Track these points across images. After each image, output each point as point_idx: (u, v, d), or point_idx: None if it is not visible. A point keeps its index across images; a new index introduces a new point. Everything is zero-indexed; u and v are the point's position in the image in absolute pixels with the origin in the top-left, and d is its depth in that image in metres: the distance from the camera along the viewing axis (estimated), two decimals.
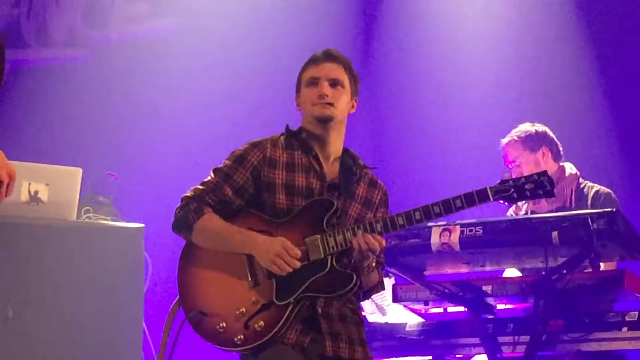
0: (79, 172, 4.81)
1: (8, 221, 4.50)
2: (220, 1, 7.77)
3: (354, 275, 3.66)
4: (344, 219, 3.78)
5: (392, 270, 4.86)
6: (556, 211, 5.19)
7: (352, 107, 3.92)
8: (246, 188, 3.81)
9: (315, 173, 3.83)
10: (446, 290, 4.78)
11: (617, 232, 4.47)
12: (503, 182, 3.73)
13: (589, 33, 6.88)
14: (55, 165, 4.81)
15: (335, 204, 3.73)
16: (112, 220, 5.12)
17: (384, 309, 5.22)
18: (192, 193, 3.82)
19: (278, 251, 3.63)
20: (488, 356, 4.66)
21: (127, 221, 5.03)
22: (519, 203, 5.52)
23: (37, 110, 7.64)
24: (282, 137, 3.91)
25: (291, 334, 3.65)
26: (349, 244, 3.67)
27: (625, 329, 4.48)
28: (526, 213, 5.44)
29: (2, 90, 3.21)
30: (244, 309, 3.66)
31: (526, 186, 3.73)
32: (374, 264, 3.77)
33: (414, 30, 7.45)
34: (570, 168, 5.45)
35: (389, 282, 4.92)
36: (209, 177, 3.85)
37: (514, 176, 4.46)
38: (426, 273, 4.95)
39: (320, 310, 3.69)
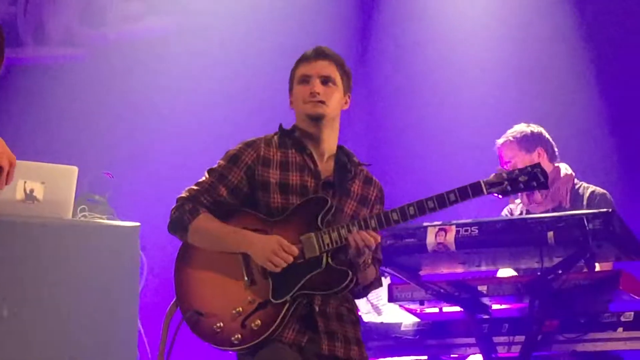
0: (74, 170, 4.80)
1: (3, 219, 4.48)
2: (218, 1, 7.77)
3: (350, 272, 3.66)
4: (340, 217, 3.78)
5: (387, 269, 4.86)
6: (552, 211, 5.19)
7: (346, 103, 3.93)
8: (241, 188, 3.82)
9: (309, 171, 3.83)
10: (442, 290, 4.78)
11: (613, 233, 4.48)
12: (496, 175, 3.74)
13: (586, 33, 6.88)
14: (51, 163, 4.80)
15: (330, 201, 3.73)
16: (108, 219, 5.12)
17: (380, 308, 5.22)
18: (187, 194, 3.84)
19: (273, 248, 3.64)
20: (483, 356, 4.67)
21: (123, 220, 5.02)
22: (513, 205, 5.53)
23: (34, 108, 7.63)
24: (275, 137, 3.91)
25: (289, 332, 3.65)
26: (344, 241, 3.67)
27: (620, 329, 4.48)
28: (521, 213, 5.45)
29: None
30: (240, 309, 3.66)
31: (519, 179, 3.74)
32: (370, 260, 3.77)
33: (411, 29, 7.45)
34: (565, 169, 5.45)
35: (384, 282, 4.92)
36: (204, 178, 3.86)
37: None
38: (422, 273, 4.95)
39: (317, 308, 3.70)
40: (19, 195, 4.60)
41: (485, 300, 4.81)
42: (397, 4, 7.51)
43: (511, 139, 5.43)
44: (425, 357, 4.90)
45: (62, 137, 7.37)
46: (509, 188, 3.73)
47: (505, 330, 4.67)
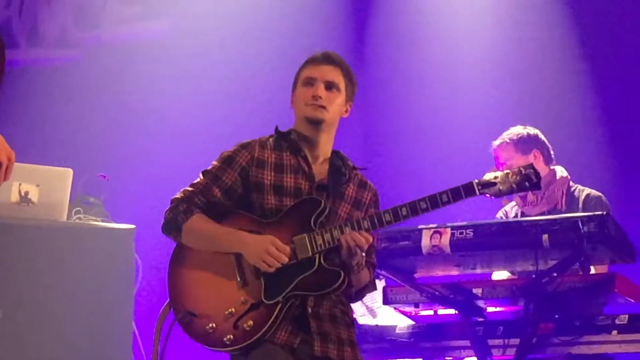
0: (69, 173, 4.81)
1: None
2: (214, 3, 7.77)
3: (342, 273, 3.66)
4: (334, 219, 3.78)
5: (382, 272, 4.86)
6: (547, 214, 5.19)
7: (346, 111, 3.92)
8: (235, 189, 3.82)
9: (303, 174, 3.83)
10: (436, 293, 4.78)
11: (608, 235, 4.48)
12: (489, 176, 3.74)
13: (582, 34, 6.88)
14: (46, 166, 4.80)
15: (323, 202, 3.74)
16: (103, 221, 5.12)
17: (375, 311, 5.22)
18: (182, 195, 3.84)
19: (266, 248, 3.64)
20: (478, 359, 4.67)
21: (118, 222, 5.02)
22: (508, 207, 5.53)
23: (28, 110, 7.62)
24: (271, 139, 3.91)
25: (281, 334, 3.65)
26: (337, 242, 3.67)
27: (615, 332, 4.48)
28: (516, 215, 5.45)
29: None
30: (233, 309, 3.66)
31: (512, 179, 3.73)
32: (363, 263, 3.77)
33: (407, 32, 7.45)
34: (561, 171, 5.45)
35: (379, 284, 4.92)
36: (198, 179, 3.86)
37: None
38: (416, 275, 4.95)
39: (310, 310, 3.70)
40: (14, 197, 4.61)
41: (480, 303, 4.81)
42: (393, 6, 7.50)
43: (507, 140, 5.44)
44: None
45: (57, 139, 7.36)
46: (501, 188, 3.73)
47: (500, 333, 4.67)
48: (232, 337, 3.63)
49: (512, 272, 5.15)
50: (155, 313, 3.86)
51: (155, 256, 5.27)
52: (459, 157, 6.77)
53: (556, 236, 4.48)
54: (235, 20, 7.64)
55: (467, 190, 3.71)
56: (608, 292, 4.55)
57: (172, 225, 3.79)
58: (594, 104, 6.78)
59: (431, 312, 5.02)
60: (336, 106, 3.85)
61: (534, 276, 4.63)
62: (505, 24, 7.14)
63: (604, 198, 5.31)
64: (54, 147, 7.04)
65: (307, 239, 3.69)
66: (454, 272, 4.94)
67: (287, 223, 3.74)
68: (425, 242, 4.69)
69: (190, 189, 3.84)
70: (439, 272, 4.97)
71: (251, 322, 3.63)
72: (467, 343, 4.73)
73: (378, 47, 7.50)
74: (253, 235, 3.71)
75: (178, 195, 3.84)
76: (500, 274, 5.23)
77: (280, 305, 3.64)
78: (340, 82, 3.87)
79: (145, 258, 5.52)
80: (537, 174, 3.74)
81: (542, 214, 5.24)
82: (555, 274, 4.53)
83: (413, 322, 5.01)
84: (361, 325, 4.99)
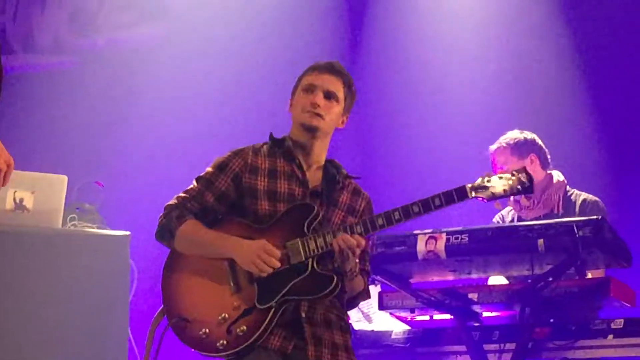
0: (64, 179, 4.79)
1: None
2: (207, 8, 7.76)
3: (335, 277, 3.66)
4: (327, 226, 3.78)
5: (378, 278, 4.86)
6: (544, 218, 5.21)
7: (342, 122, 3.94)
8: (228, 194, 3.82)
9: (297, 180, 3.84)
10: (432, 298, 4.78)
11: (603, 240, 4.48)
12: (482, 179, 3.74)
13: (579, 39, 6.88)
14: (41, 172, 4.79)
15: (316, 208, 3.74)
16: (98, 228, 5.11)
17: (370, 316, 5.22)
18: (175, 201, 3.86)
19: (258, 253, 3.65)
20: None
21: (113, 229, 5.01)
22: (505, 212, 5.54)
23: (23, 117, 7.61)
24: (265, 146, 3.93)
25: (275, 339, 3.65)
26: (330, 246, 3.67)
27: (610, 336, 4.49)
28: (513, 220, 5.46)
29: None
30: (226, 315, 3.66)
31: (504, 182, 3.73)
32: (357, 270, 3.76)
33: (401, 37, 7.45)
34: (558, 176, 5.46)
35: (375, 290, 4.92)
36: (192, 185, 3.88)
37: None
38: (412, 281, 4.95)
39: (304, 314, 3.70)
40: (9, 204, 4.59)
41: (476, 308, 4.82)
42: (388, 10, 7.50)
43: (504, 145, 5.44)
44: None
45: (51, 146, 7.35)
46: (494, 192, 3.73)
47: (496, 337, 4.67)
48: (225, 342, 3.63)
49: (507, 277, 5.15)
50: (151, 319, 3.86)
51: (150, 262, 5.27)
52: (454, 163, 6.76)
53: (551, 241, 4.49)
54: (231, 26, 7.64)
55: (460, 193, 3.72)
56: (603, 297, 4.55)
57: (166, 231, 3.80)
58: (591, 108, 6.78)
59: (427, 318, 5.02)
60: (333, 115, 3.87)
61: (529, 281, 4.64)
62: (501, 28, 7.14)
63: (600, 203, 5.32)
64: (49, 154, 7.02)
65: (300, 243, 3.69)
66: (450, 277, 4.94)
67: (280, 228, 3.74)
68: (421, 247, 4.70)
69: (183, 195, 3.86)
70: (435, 278, 4.97)
71: (244, 327, 3.63)
72: (463, 348, 4.73)
73: (372, 53, 7.50)
74: (246, 241, 3.71)
75: (171, 201, 3.86)
76: (497, 279, 5.23)
77: (273, 310, 3.64)
78: (340, 92, 3.88)
79: (141, 264, 5.51)
80: (529, 177, 3.74)
81: (539, 218, 5.25)
82: (550, 279, 4.54)
83: (409, 328, 5.01)
84: (357, 330, 4.99)
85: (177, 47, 7.73)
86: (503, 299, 4.70)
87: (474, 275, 4.93)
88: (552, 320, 4.63)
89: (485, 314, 4.90)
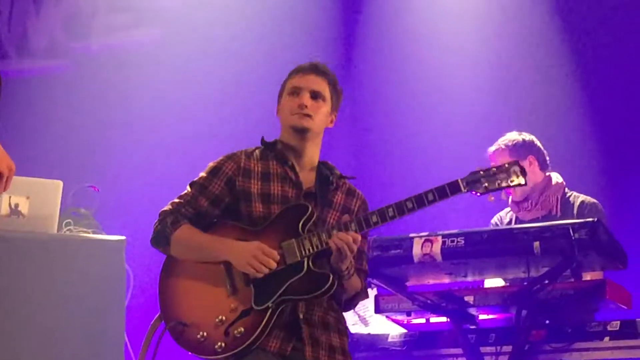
0: (59, 184, 4.79)
1: None
2: (202, 11, 7.76)
3: (330, 275, 3.66)
4: (322, 227, 3.77)
5: (374, 281, 4.86)
6: (542, 220, 5.22)
7: (331, 121, 3.95)
8: (222, 198, 3.83)
9: (290, 182, 3.85)
10: (428, 301, 4.78)
11: (599, 242, 4.48)
12: (474, 173, 3.73)
13: (576, 40, 6.88)
14: (36, 177, 4.79)
15: (310, 207, 3.75)
16: (94, 233, 5.10)
17: (367, 319, 5.22)
18: (169, 207, 3.87)
19: (253, 253, 3.65)
20: None
21: (109, 234, 5.01)
22: (502, 213, 5.54)
23: (17, 121, 7.58)
24: (257, 150, 3.94)
25: (273, 342, 3.66)
26: (325, 245, 3.67)
27: (607, 338, 4.49)
28: (511, 221, 5.46)
29: None
30: (223, 317, 3.67)
31: (497, 176, 3.72)
32: (353, 269, 3.77)
33: (397, 39, 7.45)
34: (556, 177, 5.47)
35: (371, 293, 4.92)
36: (186, 190, 3.90)
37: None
38: (408, 284, 4.95)
39: (301, 316, 3.71)
40: (4, 210, 4.60)
41: (472, 311, 4.82)
42: (384, 12, 7.50)
43: (503, 146, 5.45)
44: None
45: (46, 150, 7.34)
46: (487, 185, 3.72)
47: (492, 340, 4.67)
48: (223, 344, 3.63)
49: (503, 280, 5.15)
50: (147, 324, 3.86)
51: (146, 267, 5.26)
52: (451, 163, 6.75)
53: (547, 243, 4.48)
54: (226, 29, 7.63)
55: (453, 188, 3.71)
56: (599, 299, 4.55)
57: (161, 237, 3.81)
58: (590, 110, 6.78)
59: (423, 321, 5.02)
60: (322, 115, 3.88)
61: (525, 283, 4.64)
62: (499, 30, 7.14)
63: (599, 205, 5.33)
64: (44, 159, 7.01)
65: (295, 243, 3.70)
66: (446, 280, 4.94)
67: (275, 230, 3.75)
68: (417, 250, 4.69)
69: (177, 200, 3.87)
70: (431, 281, 4.97)
71: (242, 329, 3.63)
72: (459, 351, 4.73)
73: (368, 52, 7.50)
74: (240, 242, 3.72)
75: (166, 207, 3.87)
76: (493, 282, 5.23)
77: (270, 310, 3.64)
78: (326, 92, 3.89)
79: (136, 269, 5.50)
80: (522, 169, 3.72)
81: (537, 219, 5.26)
82: (546, 281, 4.54)
83: (405, 331, 5.01)
84: (353, 333, 4.99)
85: (175, 49, 7.72)
86: (499, 301, 4.70)
87: (470, 278, 4.93)
88: (548, 323, 4.63)
89: (482, 316, 4.90)
